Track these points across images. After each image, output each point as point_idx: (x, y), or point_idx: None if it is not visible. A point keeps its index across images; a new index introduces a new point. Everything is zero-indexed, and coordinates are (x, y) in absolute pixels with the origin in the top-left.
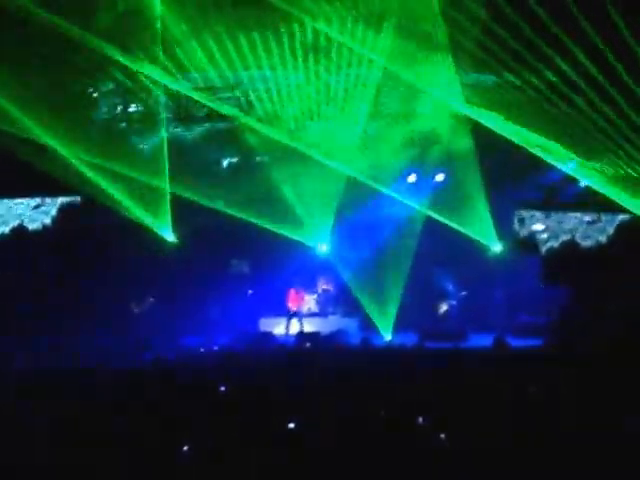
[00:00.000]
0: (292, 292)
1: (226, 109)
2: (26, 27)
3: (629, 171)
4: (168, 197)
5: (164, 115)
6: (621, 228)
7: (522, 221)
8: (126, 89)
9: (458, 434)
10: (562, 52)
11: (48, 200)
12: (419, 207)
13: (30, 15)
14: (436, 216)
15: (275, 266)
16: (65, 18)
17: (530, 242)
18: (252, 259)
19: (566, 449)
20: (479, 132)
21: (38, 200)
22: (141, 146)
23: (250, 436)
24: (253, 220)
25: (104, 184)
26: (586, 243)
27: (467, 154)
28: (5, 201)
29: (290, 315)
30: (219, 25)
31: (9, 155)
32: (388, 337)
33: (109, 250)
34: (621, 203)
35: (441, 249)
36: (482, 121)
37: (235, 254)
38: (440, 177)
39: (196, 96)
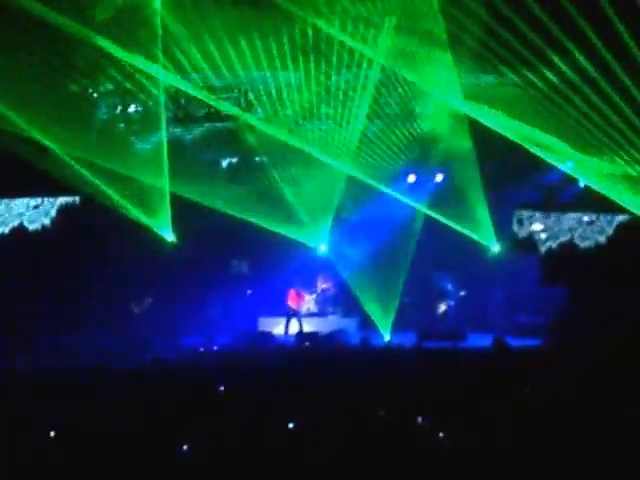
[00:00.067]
0: (292, 292)
1: (225, 109)
2: (26, 26)
3: (629, 170)
4: (168, 197)
5: (164, 115)
6: (620, 228)
7: (521, 221)
8: (126, 89)
9: (457, 434)
10: (561, 50)
11: (48, 200)
12: (418, 207)
13: (30, 14)
14: (435, 216)
15: (275, 266)
16: (65, 17)
17: (529, 242)
18: (252, 259)
19: (565, 449)
20: (478, 133)
21: (38, 200)
22: (140, 146)
23: (249, 436)
24: (253, 220)
25: (104, 184)
26: (585, 243)
27: (466, 154)
28: (5, 201)
29: (289, 315)
30: (219, 25)
31: (9, 155)
32: (387, 337)
33: (109, 250)
34: (620, 202)
35: (440, 249)
36: (481, 119)
37: (235, 254)
38: (439, 177)
39: (196, 96)
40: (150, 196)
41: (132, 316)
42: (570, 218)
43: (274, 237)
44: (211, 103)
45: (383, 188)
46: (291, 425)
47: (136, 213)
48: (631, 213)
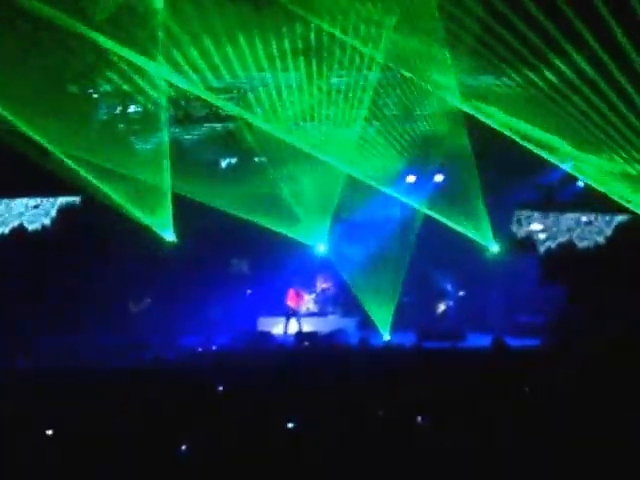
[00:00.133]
0: (291, 292)
1: (225, 109)
2: (26, 26)
3: (628, 168)
4: (169, 197)
5: (164, 115)
6: (618, 228)
7: (520, 221)
8: (126, 89)
9: (457, 433)
10: (561, 49)
11: (47, 200)
12: (418, 207)
13: (29, 13)
14: (434, 216)
15: (274, 266)
16: (64, 15)
17: (528, 242)
18: (251, 259)
19: (565, 449)
20: (477, 133)
21: (38, 200)
22: (141, 146)
23: (248, 435)
24: (252, 220)
25: (104, 184)
26: (583, 243)
27: (465, 155)
28: (5, 201)
29: (289, 315)
30: (219, 25)
31: (9, 155)
32: (386, 337)
33: (109, 250)
34: (620, 201)
35: (439, 249)
36: (481, 118)
37: (234, 254)
38: (439, 178)
39: (196, 96)
40: (150, 196)
41: (132, 316)
42: (569, 218)
43: (274, 237)
44: (211, 103)
45: (382, 188)
46: (290, 425)
47: (136, 213)
48: (630, 212)
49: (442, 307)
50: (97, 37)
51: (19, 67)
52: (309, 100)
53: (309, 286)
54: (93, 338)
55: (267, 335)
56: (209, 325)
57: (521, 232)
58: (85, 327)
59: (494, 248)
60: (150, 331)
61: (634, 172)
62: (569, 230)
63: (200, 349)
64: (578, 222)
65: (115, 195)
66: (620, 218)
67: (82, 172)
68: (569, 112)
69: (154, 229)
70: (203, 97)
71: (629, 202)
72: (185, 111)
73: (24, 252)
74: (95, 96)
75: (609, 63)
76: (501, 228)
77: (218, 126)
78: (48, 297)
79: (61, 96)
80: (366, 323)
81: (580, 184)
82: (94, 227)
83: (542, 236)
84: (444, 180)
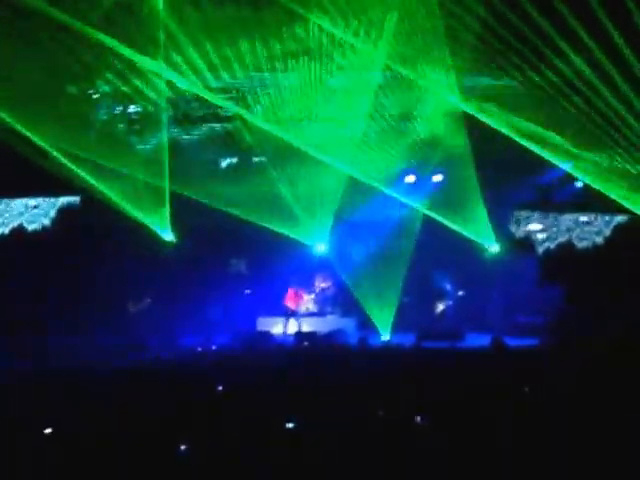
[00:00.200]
0: (291, 292)
1: (224, 109)
2: (25, 25)
3: (628, 167)
4: (167, 197)
5: (164, 116)
6: (617, 228)
7: (519, 222)
8: (125, 89)
9: (456, 433)
10: (560, 48)
11: (47, 200)
12: (417, 207)
13: (29, 11)
14: (434, 216)
15: (273, 266)
16: (64, 14)
17: (527, 242)
18: (250, 259)
19: (564, 449)
20: (477, 133)
21: (38, 200)
22: (140, 146)
23: (247, 435)
24: (251, 220)
25: (103, 184)
26: (582, 244)
27: (465, 155)
28: (5, 201)
29: (288, 315)
30: (219, 25)
31: (9, 155)
32: (386, 337)
33: (109, 250)
34: (619, 200)
35: (439, 249)
36: (480, 117)
37: (233, 254)
38: (438, 178)
39: (195, 96)
40: (149, 196)
41: (131, 316)
42: (567, 219)
43: (273, 237)
44: (210, 103)
45: (382, 188)
46: (290, 425)
47: (135, 213)
48: (629, 212)
49: (441, 307)
50: (97, 37)
51: (19, 67)
52: (309, 100)
53: (308, 286)
54: (93, 338)
55: (267, 335)
56: (209, 325)
57: (520, 232)
58: (85, 327)
59: (493, 248)
60: (150, 331)
61: (634, 171)
62: (568, 230)
63: (200, 349)
64: (577, 222)
65: (114, 195)
66: (619, 218)
67: (82, 172)
68: (569, 111)
69: (153, 229)
70: (203, 97)
71: (628, 202)
72: (184, 111)
73: (24, 252)
74: (94, 96)
75: (608, 63)
76: (500, 228)
77: (217, 126)
78: (48, 297)
79: (60, 96)
80: (365, 323)
81: (579, 184)
82: (93, 227)
83: (541, 236)
84: (444, 180)
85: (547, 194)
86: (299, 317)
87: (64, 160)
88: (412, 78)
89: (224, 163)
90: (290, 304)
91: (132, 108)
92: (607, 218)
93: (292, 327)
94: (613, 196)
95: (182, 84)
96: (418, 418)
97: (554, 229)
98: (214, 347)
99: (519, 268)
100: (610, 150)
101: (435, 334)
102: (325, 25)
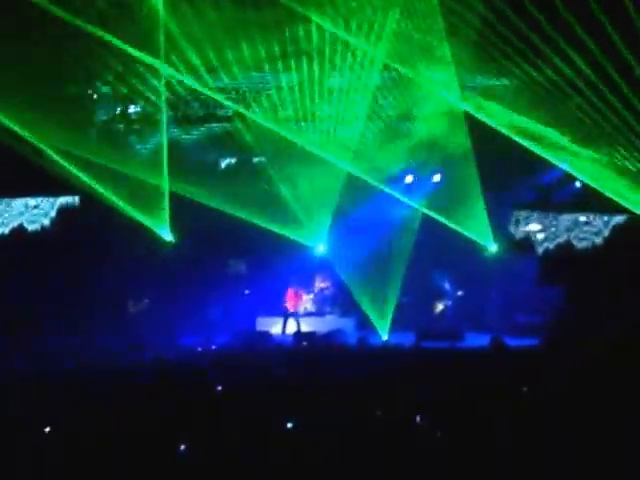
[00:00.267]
0: (290, 292)
1: (224, 109)
2: (25, 25)
3: (628, 165)
4: (166, 197)
5: (163, 116)
6: (616, 229)
7: (518, 221)
8: (125, 90)
9: (456, 433)
10: (559, 47)
11: (47, 200)
12: (416, 207)
13: (29, 12)
14: (433, 216)
15: (273, 266)
16: (64, 14)
17: (526, 242)
18: (250, 259)
19: (563, 449)
20: (477, 133)
21: (37, 200)
22: (140, 146)
23: (247, 435)
24: (251, 220)
25: (103, 184)
26: (582, 244)
27: (464, 155)
28: (5, 201)
29: (287, 315)
30: (218, 25)
31: (9, 155)
32: (385, 337)
33: (108, 250)
34: (618, 200)
35: (438, 249)
36: (480, 115)
37: (233, 254)
38: (437, 177)
39: (194, 96)
40: (148, 196)
41: (131, 316)
42: (567, 219)
43: (272, 237)
44: (209, 104)
45: (381, 188)
46: (289, 425)
47: (135, 213)
48: (628, 212)
49: (440, 307)
50: (97, 37)
51: (19, 67)
52: (309, 100)
53: (307, 286)
54: (93, 338)
55: (266, 335)
56: (208, 325)
57: (519, 232)
58: (85, 327)
59: (493, 248)
60: (150, 331)
61: (633, 169)
62: (567, 230)
63: (200, 349)
64: (576, 222)
65: (114, 195)
66: (618, 218)
67: (81, 172)
68: (569, 110)
69: (152, 229)
70: (203, 97)
71: (627, 202)
72: (184, 111)
73: (24, 252)
74: (94, 97)
75: (608, 63)
76: (500, 228)
77: (216, 126)
78: (48, 297)
79: (60, 96)
80: (365, 323)
81: (578, 184)
82: (93, 227)
83: (540, 236)
84: (443, 180)
85: (546, 194)
86: (298, 317)
87: (64, 160)
88: (412, 77)
89: (223, 163)
90: (289, 304)
91: (132, 108)
92: (606, 218)
93: (291, 327)
94: (612, 196)
95: (182, 84)
96: (417, 418)
97: (553, 229)
98: (214, 347)
99: (518, 268)
100: (610, 148)
101: (434, 334)
102: (325, 25)
